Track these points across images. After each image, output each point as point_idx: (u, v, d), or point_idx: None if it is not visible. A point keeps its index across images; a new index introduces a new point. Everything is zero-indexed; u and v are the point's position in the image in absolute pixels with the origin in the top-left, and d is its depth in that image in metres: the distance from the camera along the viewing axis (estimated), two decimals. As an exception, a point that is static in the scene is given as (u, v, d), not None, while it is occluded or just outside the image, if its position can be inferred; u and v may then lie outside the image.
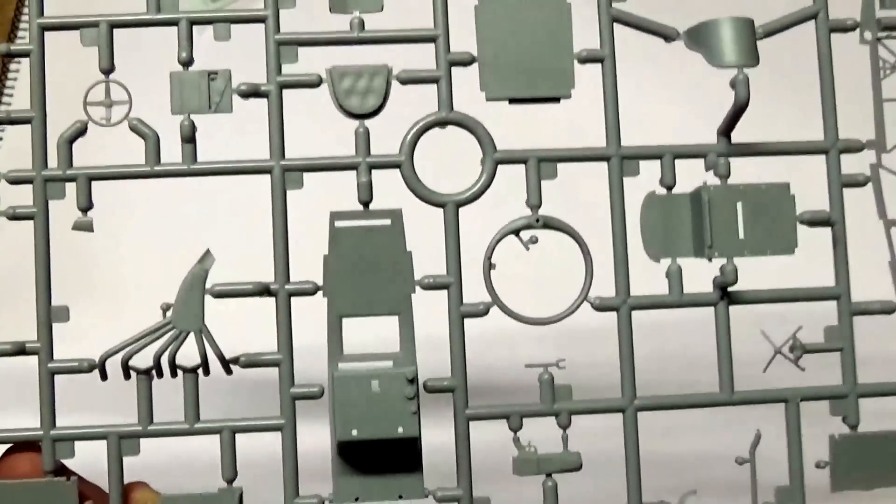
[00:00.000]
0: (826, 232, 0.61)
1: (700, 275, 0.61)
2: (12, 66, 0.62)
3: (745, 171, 0.60)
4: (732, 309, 0.61)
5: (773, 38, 0.62)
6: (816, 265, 0.61)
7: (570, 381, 0.60)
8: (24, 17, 0.60)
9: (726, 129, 0.61)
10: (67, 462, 0.59)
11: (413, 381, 0.56)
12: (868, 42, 0.64)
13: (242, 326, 0.60)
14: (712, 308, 0.61)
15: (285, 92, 0.60)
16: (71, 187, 0.59)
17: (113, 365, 0.58)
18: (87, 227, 0.59)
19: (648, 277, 0.61)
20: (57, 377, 0.58)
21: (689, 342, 0.65)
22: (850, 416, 0.61)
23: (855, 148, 0.62)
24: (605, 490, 0.60)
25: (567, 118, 0.63)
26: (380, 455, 0.58)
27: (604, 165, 0.61)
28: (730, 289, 0.61)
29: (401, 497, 0.59)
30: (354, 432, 0.56)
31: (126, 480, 0.59)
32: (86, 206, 0.59)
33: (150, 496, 0.59)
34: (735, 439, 0.61)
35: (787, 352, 0.61)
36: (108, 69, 0.60)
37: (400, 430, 0.56)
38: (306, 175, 0.60)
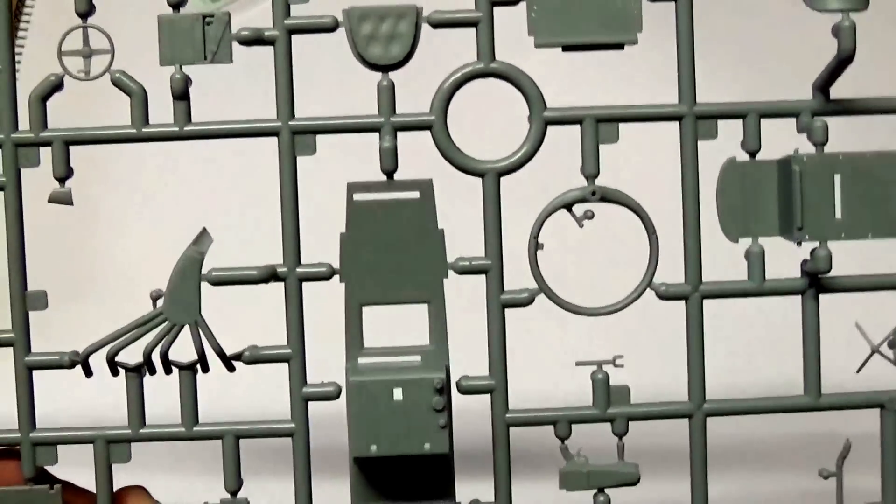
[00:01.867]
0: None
1: (785, 255, 0.51)
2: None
3: (845, 140, 0.49)
4: (823, 298, 0.51)
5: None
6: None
7: (629, 381, 0.51)
8: (25, 18, 0.51)
9: (824, 85, 0.50)
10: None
11: (442, 390, 0.48)
12: None
13: (247, 315, 0.52)
14: (798, 297, 0.51)
15: (294, 38, 0.50)
16: (46, 153, 0.50)
17: (100, 360, 0.50)
18: (65, 199, 0.50)
19: (720, 260, 0.51)
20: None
21: (770, 336, 0.55)
22: (958, 424, 0.52)
23: None
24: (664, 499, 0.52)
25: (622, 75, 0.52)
26: (404, 473, 0.49)
27: (670, 128, 0.50)
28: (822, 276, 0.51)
29: (430, 515, 0.51)
30: (373, 448, 0.48)
31: (120, 482, 0.52)
32: (63, 174, 0.50)
33: None
34: (821, 449, 0.51)
35: (886, 350, 0.51)
36: (85, 12, 0.50)
37: (427, 446, 0.48)
38: (320, 138, 0.50)
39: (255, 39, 0.50)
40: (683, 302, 0.51)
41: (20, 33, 0.54)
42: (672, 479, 0.52)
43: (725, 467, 0.54)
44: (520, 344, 0.51)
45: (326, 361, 0.51)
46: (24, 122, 0.49)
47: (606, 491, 0.51)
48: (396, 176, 0.50)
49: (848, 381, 0.50)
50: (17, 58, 0.51)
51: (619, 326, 0.51)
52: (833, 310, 0.51)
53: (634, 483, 0.51)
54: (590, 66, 0.50)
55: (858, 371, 0.51)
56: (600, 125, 0.50)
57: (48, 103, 0.50)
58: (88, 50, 0.50)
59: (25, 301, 0.50)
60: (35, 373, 0.50)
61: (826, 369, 0.51)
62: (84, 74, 0.50)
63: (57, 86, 0.50)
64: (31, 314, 0.50)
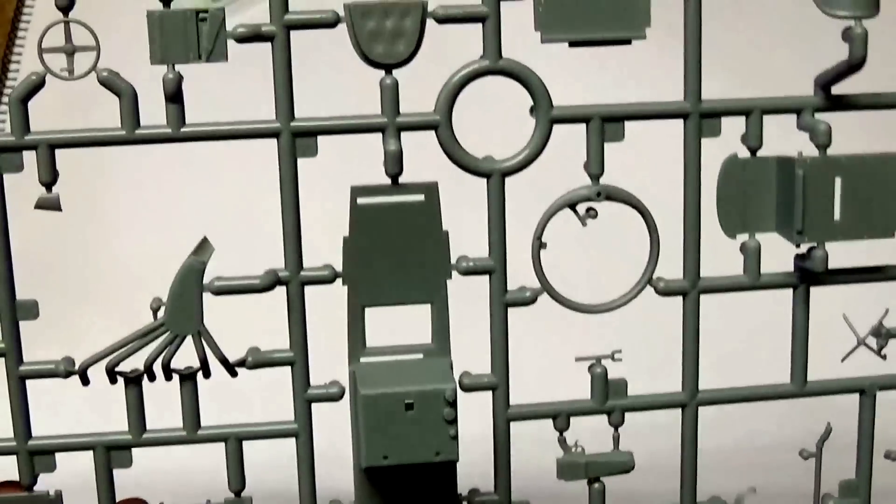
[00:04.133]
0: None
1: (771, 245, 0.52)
2: (12, 67, 0.48)
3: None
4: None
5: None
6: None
7: (625, 373, 0.52)
8: (25, 18, 0.47)
9: (827, 83, 0.50)
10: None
11: (454, 403, 0.48)
12: None
13: (249, 317, 0.51)
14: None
15: (294, 35, 0.47)
16: (31, 158, 0.47)
17: (98, 369, 0.49)
18: (52, 205, 0.48)
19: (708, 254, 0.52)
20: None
21: (759, 323, 0.56)
22: (931, 405, 0.54)
23: None
24: (655, 487, 0.54)
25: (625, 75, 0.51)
26: (410, 477, 0.50)
27: (671, 125, 0.50)
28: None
29: (433, 509, 0.52)
30: (386, 459, 0.48)
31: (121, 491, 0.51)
32: (49, 179, 0.47)
33: None
34: (806, 432, 0.54)
35: (871, 342, 0.53)
36: (65, 6, 0.46)
37: (438, 455, 0.49)
38: (321, 139, 0.48)
39: (253, 36, 0.47)
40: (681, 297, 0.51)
41: (19, 33, 0.50)
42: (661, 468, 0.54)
43: (718, 453, 0.56)
44: (520, 340, 0.51)
45: (328, 361, 0.50)
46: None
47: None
48: (402, 178, 0.49)
49: (832, 369, 0.52)
50: (16, 58, 0.48)
51: (617, 322, 0.52)
52: (819, 299, 0.52)
53: (628, 471, 0.52)
54: (586, 61, 0.49)
55: (843, 360, 0.52)
56: (606, 124, 0.49)
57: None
58: (71, 46, 0.46)
59: (15, 311, 0.48)
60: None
61: (811, 357, 0.52)
62: (68, 73, 0.46)
63: (38, 85, 0.46)
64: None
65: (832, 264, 0.51)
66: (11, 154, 0.46)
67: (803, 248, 0.51)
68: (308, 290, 0.49)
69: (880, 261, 0.52)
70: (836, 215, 0.50)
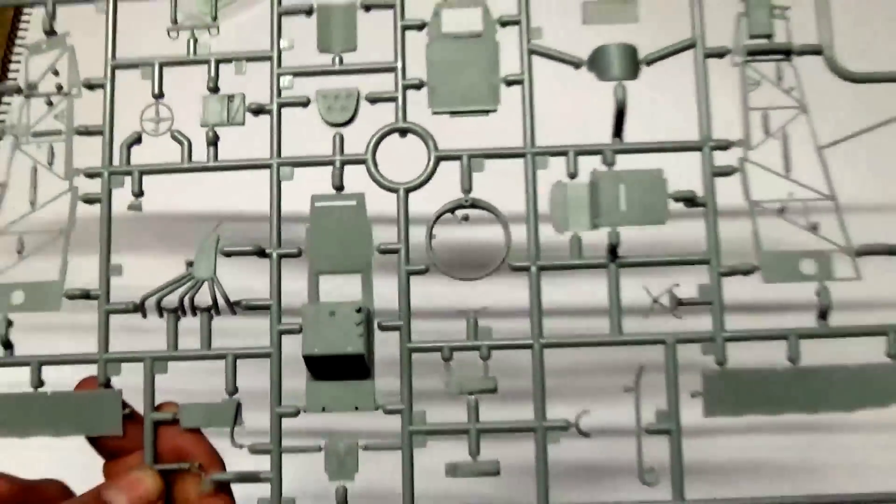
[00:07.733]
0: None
1: (598, 246, 0.78)
2: (12, 67, 0.71)
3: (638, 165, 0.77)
4: (624, 271, 0.77)
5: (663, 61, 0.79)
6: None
7: (492, 325, 0.78)
8: (25, 18, 0.68)
9: (616, 131, 0.79)
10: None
11: (360, 310, 0.75)
12: (738, 64, 0.80)
13: (245, 280, 0.81)
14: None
15: (283, 110, 0.81)
16: (127, 180, 0.81)
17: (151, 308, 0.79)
18: (137, 207, 0.81)
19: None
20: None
21: (590, 295, 0.81)
22: (717, 355, 0.76)
23: (724, 146, 0.79)
24: (516, 412, 0.77)
25: (495, 127, 0.82)
26: (339, 369, 0.76)
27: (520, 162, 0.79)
28: (620, 256, 0.77)
29: (356, 408, 0.77)
30: (316, 349, 0.75)
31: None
32: (138, 192, 0.81)
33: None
34: (625, 376, 0.76)
35: (665, 302, 0.77)
36: (157, 95, 0.82)
37: (349, 348, 0.75)
38: (296, 169, 0.81)
39: (258, 110, 0.81)
40: (527, 272, 0.78)
41: (19, 34, 0.73)
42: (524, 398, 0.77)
43: (564, 392, 0.79)
44: (422, 299, 0.78)
45: (295, 312, 0.79)
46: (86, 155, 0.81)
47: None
48: (343, 191, 0.80)
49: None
50: (17, 58, 0.70)
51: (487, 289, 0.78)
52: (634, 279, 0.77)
53: (493, 391, 0.76)
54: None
55: (646, 317, 0.76)
56: (472, 159, 0.79)
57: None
58: (158, 118, 0.82)
59: (108, 270, 0.80)
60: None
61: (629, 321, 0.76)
62: (155, 133, 0.82)
63: (137, 139, 0.82)
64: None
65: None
66: (118, 176, 0.81)
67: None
68: (286, 262, 0.79)
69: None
70: (623, 208, 0.77)
